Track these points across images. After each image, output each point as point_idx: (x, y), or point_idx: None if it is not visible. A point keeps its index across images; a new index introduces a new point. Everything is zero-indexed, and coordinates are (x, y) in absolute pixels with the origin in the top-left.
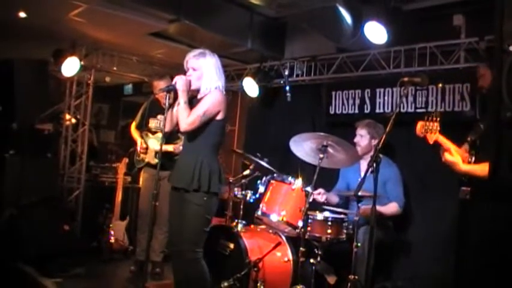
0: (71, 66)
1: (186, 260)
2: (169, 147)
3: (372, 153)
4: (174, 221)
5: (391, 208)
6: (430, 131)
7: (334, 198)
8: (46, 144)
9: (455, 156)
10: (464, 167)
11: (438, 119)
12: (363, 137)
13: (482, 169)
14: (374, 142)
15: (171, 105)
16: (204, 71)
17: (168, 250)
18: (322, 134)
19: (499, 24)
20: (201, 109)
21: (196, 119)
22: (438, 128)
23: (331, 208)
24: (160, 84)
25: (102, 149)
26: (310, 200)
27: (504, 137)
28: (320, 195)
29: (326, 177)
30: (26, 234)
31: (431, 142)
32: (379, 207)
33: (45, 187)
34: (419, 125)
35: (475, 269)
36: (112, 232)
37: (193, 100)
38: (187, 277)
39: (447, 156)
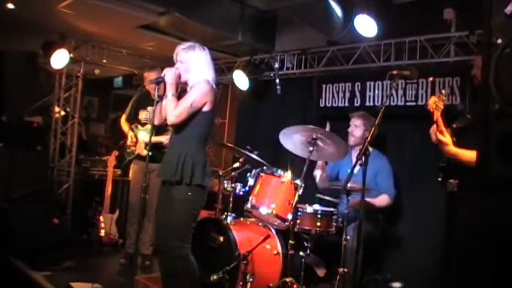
0: (60, 59)
1: (173, 256)
2: (161, 138)
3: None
4: (160, 216)
5: (382, 200)
6: (438, 109)
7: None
8: (35, 137)
9: (447, 137)
10: (453, 149)
11: (444, 98)
12: (357, 127)
13: (468, 155)
14: (367, 133)
15: (161, 98)
16: (192, 64)
17: (154, 244)
18: (311, 126)
19: (488, 17)
20: (188, 101)
21: (183, 111)
22: (442, 108)
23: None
24: (150, 76)
25: (92, 142)
26: (301, 191)
27: (492, 129)
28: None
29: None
30: (16, 227)
31: (435, 118)
32: (370, 199)
33: (34, 180)
34: (432, 100)
35: (462, 260)
36: (102, 225)
37: (182, 94)
38: (175, 273)
39: (439, 136)
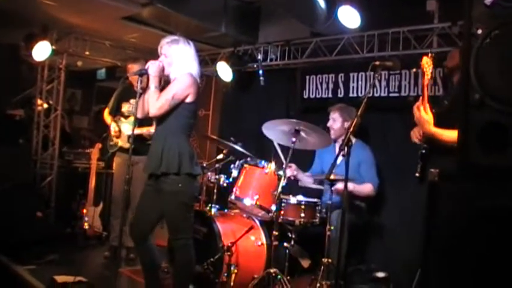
0: (42, 51)
1: (177, 247)
2: (141, 130)
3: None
4: (145, 211)
5: (366, 188)
6: (427, 72)
7: (307, 180)
8: (18, 130)
9: (429, 115)
10: (433, 129)
11: (432, 65)
12: (335, 121)
13: (448, 134)
14: (346, 125)
15: (144, 91)
16: (175, 58)
17: (132, 236)
18: (293, 120)
19: (468, 8)
20: (169, 93)
21: (165, 103)
22: (430, 74)
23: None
24: (134, 68)
25: (75, 134)
26: (283, 183)
27: (472, 119)
28: (290, 169)
29: (301, 161)
30: None
31: (425, 85)
32: (354, 186)
33: (17, 173)
34: (424, 59)
35: (443, 250)
36: (86, 218)
37: (165, 87)
38: (177, 263)
39: (422, 114)
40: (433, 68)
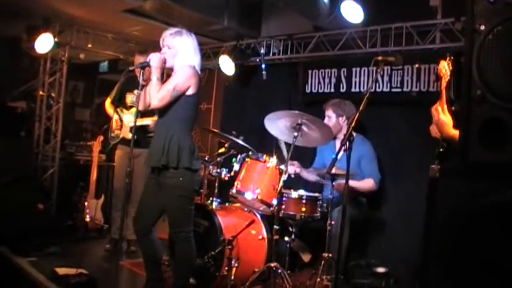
0: (44, 43)
1: (178, 240)
2: (147, 121)
3: (344, 131)
4: (148, 204)
5: (366, 183)
6: (445, 76)
7: (311, 176)
8: (19, 122)
9: (447, 116)
10: (452, 131)
11: (451, 68)
12: (330, 118)
13: None
14: (342, 120)
15: (147, 83)
16: (179, 50)
17: (135, 228)
18: (296, 112)
19: (471, 4)
20: (171, 84)
21: (166, 94)
22: (448, 77)
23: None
24: (140, 59)
25: (77, 127)
26: (285, 177)
27: (473, 115)
28: (293, 166)
29: (303, 156)
30: (1, 213)
31: (443, 88)
32: (354, 183)
33: (19, 166)
34: (442, 64)
35: (442, 245)
36: (87, 211)
37: (167, 79)
38: (177, 256)
39: (441, 116)
40: (452, 71)
